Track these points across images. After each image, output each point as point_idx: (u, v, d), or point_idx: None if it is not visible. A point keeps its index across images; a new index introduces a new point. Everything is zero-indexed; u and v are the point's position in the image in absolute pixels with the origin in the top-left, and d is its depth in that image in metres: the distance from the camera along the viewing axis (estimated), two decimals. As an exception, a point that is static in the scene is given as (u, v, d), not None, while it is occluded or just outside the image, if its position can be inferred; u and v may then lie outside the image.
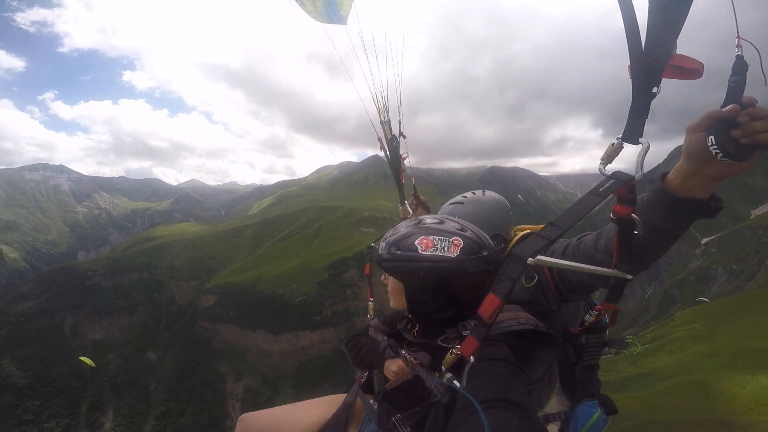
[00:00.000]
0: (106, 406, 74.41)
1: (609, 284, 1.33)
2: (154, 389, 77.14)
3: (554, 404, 1.81)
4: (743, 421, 8.67)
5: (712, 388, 12.16)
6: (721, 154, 1.03)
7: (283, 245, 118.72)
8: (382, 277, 1.64)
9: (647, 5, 0.98)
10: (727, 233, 73.02)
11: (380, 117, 3.21)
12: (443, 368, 1.25)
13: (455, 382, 1.20)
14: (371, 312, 2.36)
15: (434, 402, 1.27)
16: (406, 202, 3.14)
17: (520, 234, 2.15)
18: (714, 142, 1.03)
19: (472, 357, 1.17)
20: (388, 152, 3.24)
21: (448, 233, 1.43)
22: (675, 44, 0.99)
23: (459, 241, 1.40)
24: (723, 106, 1.03)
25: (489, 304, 1.12)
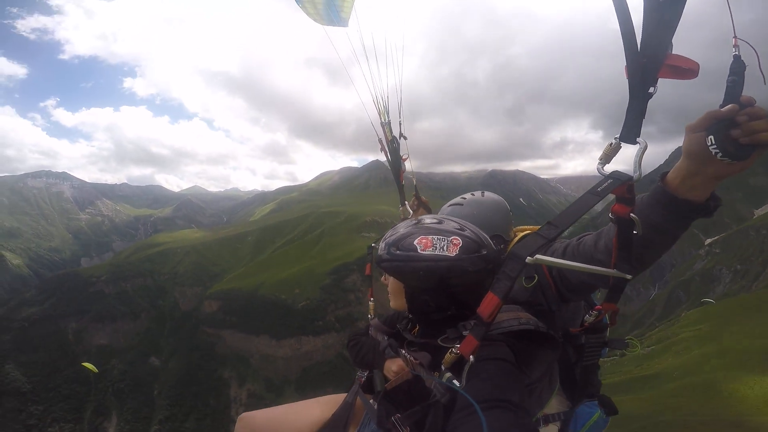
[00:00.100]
0: (109, 411, 74.49)
1: (609, 284, 1.32)
2: (158, 394, 77.25)
3: (554, 404, 1.79)
4: (753, 421, 8.58)
5: (721, 389, 12.06)
6: (720, 154, 1.03)
7: (285, 251, 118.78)
8: (383, 277, 1.64)
9: (642, 6, 0.98)
10: (730, 233, 72.74)
11: (380, 118, 3.22)
12: (443, 368, 1.25)
13: (455, 381, 1.20)
14: (371, 312, 2.35)
15: (434, 402, 1.27)
16: (406, 202, 3.15)
17: (520, 234, 2.15)
18: (713, 142, 1.03)
19: (471, 356, 1.17)
20: (388, 153, 3.24)
21: (447, 233, 1.43)
22: (670, 44, 1.00)
23: (458, 241, 1.41)
24: (722, 106, 1.03)
25: (488, 304, 1.13)
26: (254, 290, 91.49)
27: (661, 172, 1.21)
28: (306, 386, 72.70)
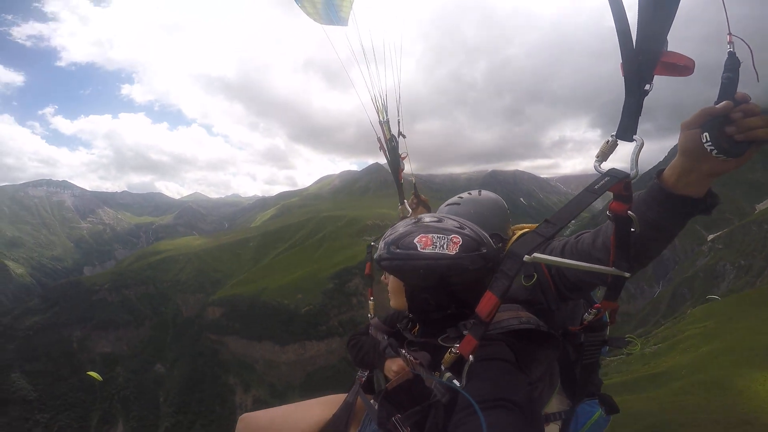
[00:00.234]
0: (116, 419, 74.71)
1: (607, 282, 1.33)
2: (164, 401, 77.44)
3: (554, 404, 1.78)
4: (765, 418, 8.50)
5: (730, 386, 11.96)
6: (716, 151, 1.04)
7: (286, 256, 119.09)
8: (383, 276, 1.64)
9: (637, 3, 0.97)
10: (732, 229, 72.60)
11: (379, 117, 3.20)
12: (443, 368, 1.25)
13: (455, 381, 1.20)
14: (371, 311, 2.33)
15: (434, 402, 1.26)
16: (405, 201, 3.13)
17: (519, 233, 2.13)
18: (708, 139, 1.04)
19: (471, 356, 1.16)
20: (387, 152, 3.23)
21: (447, 231, 1.43)
22: (666, 41, 1.00)
23: (458, 239, 1.40)
24: (717, 103, 1.03)
25: (486, 302, 1.12)
26: (257, 296, 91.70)
27: (658, 170, 1.21)
28: (310, 391, 71.81)
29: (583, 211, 1.12)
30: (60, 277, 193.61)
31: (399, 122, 3.19)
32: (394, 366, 1.50)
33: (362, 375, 1.77)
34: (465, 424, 1.04)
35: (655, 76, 1.03)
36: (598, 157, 1.12)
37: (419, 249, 1.39)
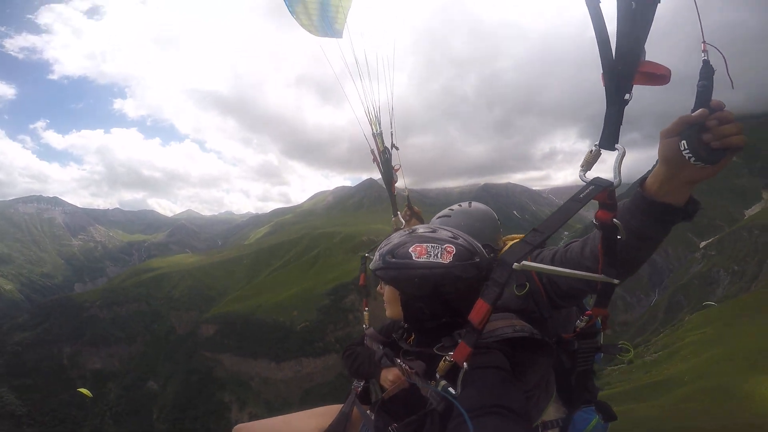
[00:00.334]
0: None
1: (597, 289, 1.36)
2: (157, 418, 76.06)
3: (551, 411, 1.75)
4: (774, 421, 8.44)
5: (735, 391, 11.91)
6: (693, 158, 1.06)
7: (281, 273, 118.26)
8: (378, 287, 1.67)
9: (616, 15, 1.00)
10: (724, 235, 73.42)
11: (372, 129, 3.22)
12: (437, 376, 1.27)
13: (450, 389, 1.22)
14: (366, 321, 2.33)
15: (430, 410, 1.29)
16: (399, 213, 3.14)
17: (510, 243, 2.16)
18: (686, 147, 1.06)
19: (465, 363, 1.19)
20: (380, 164, 3.24)
21: (441, 241, 1.46)
22: (643, 51, 1.02)
23: (452, 248, 1.43)
24: (693, 111, 1.06)
25: (478, 310, 1.16)
26: (251, 313, 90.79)
27: (640, 178, 1.25)
28: (308, 408, 70.78)
29: (569, 220, 1.14)
30: (50, 294, 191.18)
31: (392, 134, 3.21)
32: (390, 375, 1.52)
33: (358, 385, 1.75)
34: (460, 431, 1.05)
35: (636, 86, 1.05)
36: (582, 166, 1.14)
37: (414, 258, 1.42)
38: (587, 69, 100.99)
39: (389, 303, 1.58)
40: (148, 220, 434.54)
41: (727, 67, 1.07)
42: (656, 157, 1.15)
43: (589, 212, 1.27)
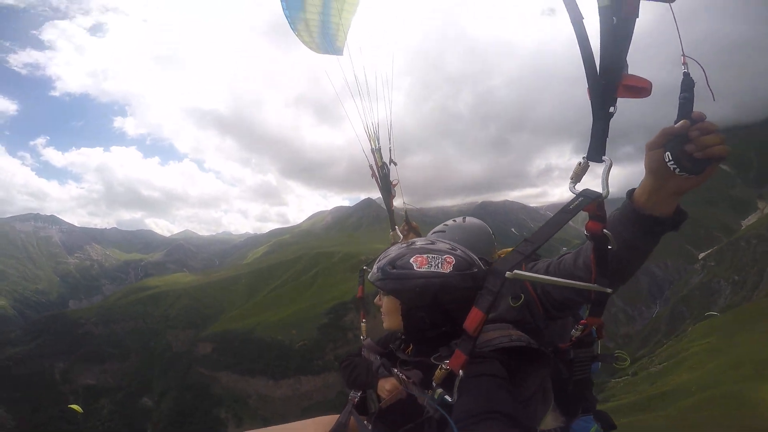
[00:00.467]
0: None
1: (591, 299, 1.39)
2: (152, 434, 74.44)
3: (549, 420, 1.75)
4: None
5: (744, 400, 11.74)
6: (678, 169, 1.09)
7: (280, 292, 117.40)
8: (376, 298, 1.69)
9: (599, 31, 1.04)
10: (722, 246, 73.68)
11: (371, 145, 3.27)
12: (434, 384, 1.30)
13: (446, 397, 1.25)
14: (364, 333, 2.34)
15: (427, 418, 1.31)
16: (397, 227, 3.19)
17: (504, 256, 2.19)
18: (671, 158, 1.09)
19: (461, 371, 1.22)
20: (379, 179, 3.28)
21: (441, 252, 1.52)
22: (625, 65, 1.05)
23: (451, 259, 1.49)
24: (675, 122, 1.10)
25: (473, 318, 1.19)
26: (250, 332, 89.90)
27: (628, 190, 1.28)
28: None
29: (562, 232, 1.22)
30: (44, 310, 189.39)
31: (390, 149, 3.26)
32: (387, 385, 1.55)
33: (355, 396, 1.74)
34: None
35: (622, 100, 1.09)
36: (572, 178, 1.18)
37: (415, 268, 1.48)
38: (578, 84, 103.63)
39: (388, 314, 1.60)
40: (145, 240, 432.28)
41: (707, 79, 1.09)
42: None
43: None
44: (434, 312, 1.47)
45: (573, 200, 1.16)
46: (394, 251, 1.58)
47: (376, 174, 3.27)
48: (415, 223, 3.20)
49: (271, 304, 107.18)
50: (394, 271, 1.51)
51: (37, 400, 77.11)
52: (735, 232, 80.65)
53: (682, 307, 65.19)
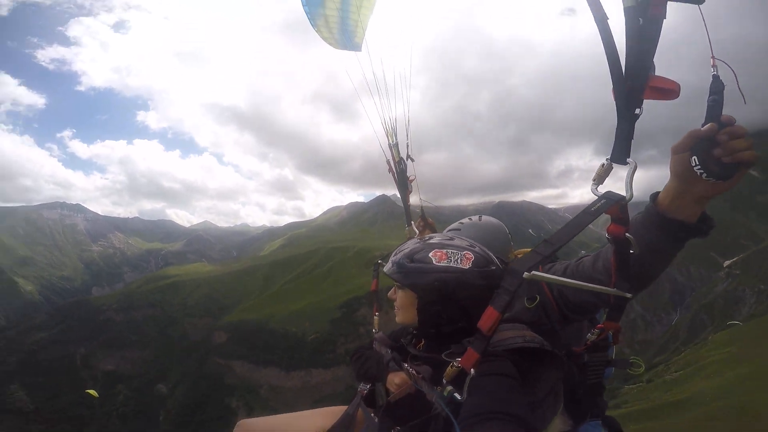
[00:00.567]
0: None
1: (609, 303, 1.36)
2: (163, 420, 76.48)
3: (557, 423, 1.69)
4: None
5: (761, 411, 11.40)
6: (705, 174, 1.05)
7: (295, 285, 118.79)
8: (390, 292, 1.68)
9: (625, 32, 1.02)
10: (749, 254, 71.17)
11: (388, 140, 3.28)
12: (444, 381, 1.28)
13: (456, 395, 1.23)
14: (376, 326, 2.35)
15: (434, 415, 1.30)
16: (413, 222, 3.19)
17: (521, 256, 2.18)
18: (697, 162, 1.05)
19: (472, 369, 1.20)
20: (395, 174, 3.30)
21: (460, 248, 1.53)
22: (652, 66, 1.03)
23: (470, 255, 1.50)
24: (703, 125, 1.05)
25: (488, 317, 1.17)
26: (264, 322, 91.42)
27: (653, 193, 1.25)
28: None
29: (582, 235, 1.20)
30: (68, 296, 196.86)
31: (408, 145, 3.27)
32: (396, 379, 1.53)
33: (364, 388, 1.75)
34: None
35: (650, 102, 1.06)
36: (594, 180, 1.15)
37: (434, 262, 1.48)
38: (601, 85, 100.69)
39: (403, 308, 1.59)
40: (166, 230, 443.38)
41: (738, 81, 1.07)
42: None
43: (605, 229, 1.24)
44: (451, 307, 1.46)
45: (595, 202, 1.13)
46: (410, 246, 1.59)
47: (393, 169, 3.26)
48: (431, 220, 3.22)
49: (285, 296, 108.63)
50: (413, 264, 1.51)
51: (57, 386, 79.36)
52: (763, 240, 77.74)
53: (704, 315, 63.36)
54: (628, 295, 1.25)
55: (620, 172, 1.16)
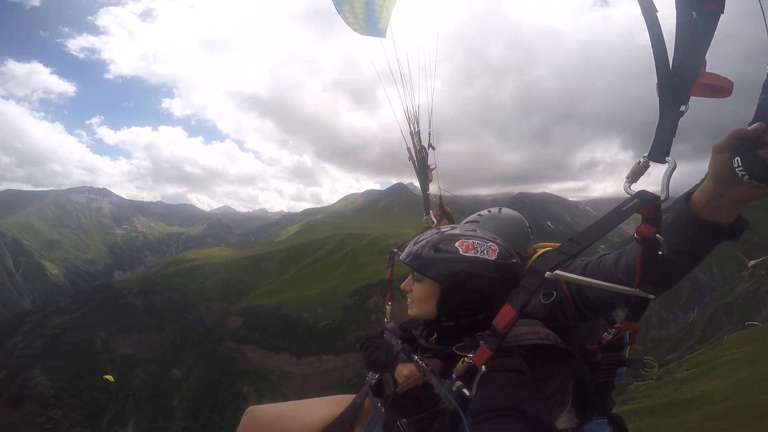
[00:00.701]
0: (127, 419, 75.83)
1: (629, 303, 1.32)
2: (177, 405, 78.26)
3: (563, 420, 1.72)
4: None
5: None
6: (747, 176, 0.98)
7: (309, 271, 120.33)
8: (404, 283, 1.64)
9: (675, 23, 0.96)
10: (776, 255, 68.37)
11: (410, 128, 3.28)
12: (453, 376, 1.27)
13: (464, 390, 1.21)
14: (388, 315, 2.32)
15: (441, 409, 1.28)
16: (431, 211, 3.18)
17: (541, 251, 2.10)
18: (740, 164, 0.98)
19: (483, 366, 1.18)
20: (416, 162, 3.29)
21: (485, 239, 1.50)
22: (704, 62, 0.97)
23: (495, 247, 1.48)
24: (750, 125, 0.98)
25: (504, 315, 1.14)
26: (278, 308, 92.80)
27: (686, 193, 1.19)
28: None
29: (609, 233, 1.11)
30: (92, 280, 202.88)
31: (429, 133, 3.25)
32: (405, 371, 1.50)
33: (372, 377, 1.75)
34: None
35: (693, 97, 0.99)
36: (628, 178, 1.10)
37: (461, 252, 1.45)
38: (634, 77, 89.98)
39: (420, 300, 1.55)
40: (187, 214, 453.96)
41: None
42: (705, 171, 1.10)
43: (628, 225, 1.21)
44: (474, 298, 1.45)
45: (627, 201, 1.07)
46: (431, 236, 1.55)
47: (414, 157, 3.27)
48: (448, 209, 3.19)
49: (300, 282, 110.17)
50: (439, 254, 1.47)
51: (77, 370, 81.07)
52: (791, 242, 74.60)
53: (722, 315, 61.59)
54: (651, 297, 1.21)
55: (654, 171, 1.10)
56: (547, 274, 1.08)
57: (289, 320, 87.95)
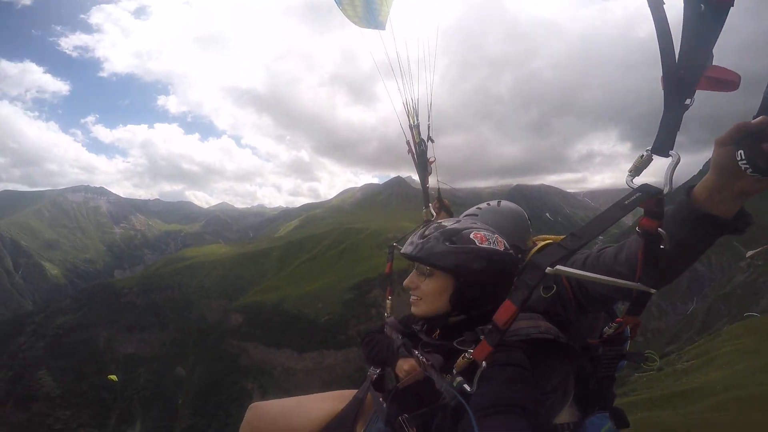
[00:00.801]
0: (134, 419, 76.51)
1: (630, 297, 1.32)
2: (182, 404, 78.57)
3: (564, 415, 1.67)
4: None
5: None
6: (750, 170, 0.97)
7: (308, 266, 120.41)
8: (407, 280, 1.58)
9: (681, 17, 0.95)
10: (774, 245, 68.64)
11: (409, 121, 3.27)
12: (454, 372, 1.26)
13: (465, 386, 1.21)
14: (388, 310, 2.32)
15: (442, 404, 1.28)
16: (430, 204, 3.18)
17: (541, 244, 2.08)
18: (743, 157, 0.97)
19: (484, 362, 1.18)
20: (415, 155, 3.29)
21: (492, 231, 1.50)
22: (711, 56, 0.96)
23: (501, 239, 1.49)
24: (754, 118, 0.97)
25: (505, 311, 1.14)
26: (278, 304, 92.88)
27: (687, 186, 1.18)
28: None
29: (611, 227, 1.09)
30: (92, 279, 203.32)
31: (429, 126, 3.24)
32: (405, 366, 1.51)
33: (374, 372, 1.76)
34: (471, 428, 1.05)
35: (698, 91, 0.98)
36: (630, 171, 1.09)
37: (477, 243, 1.43)
38: (632, 69, 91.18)
39: (433, 295, 1.50)
40: (185, 211, 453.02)
41: None
42: (704, 163, 1.12)
43: (627, 217, 1.23)
44: (486, 290, 1.44)
45: (630, 195, 1.07)
46: (436, 229, 1.52)
47: (413, 150, 3.26)
48: (447, 202, 3.20)
49: (299, 277, 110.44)
50: (454, 246, 1.43)
51: (81, 369, 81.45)
52: (790, 231, 74.88)
53: (721, 305, 61.89)
54: (653, 291, 1.21)
55: (657, 163, 1.09)
56: (548, 269, 1.08)
57: (289, 316, 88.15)
